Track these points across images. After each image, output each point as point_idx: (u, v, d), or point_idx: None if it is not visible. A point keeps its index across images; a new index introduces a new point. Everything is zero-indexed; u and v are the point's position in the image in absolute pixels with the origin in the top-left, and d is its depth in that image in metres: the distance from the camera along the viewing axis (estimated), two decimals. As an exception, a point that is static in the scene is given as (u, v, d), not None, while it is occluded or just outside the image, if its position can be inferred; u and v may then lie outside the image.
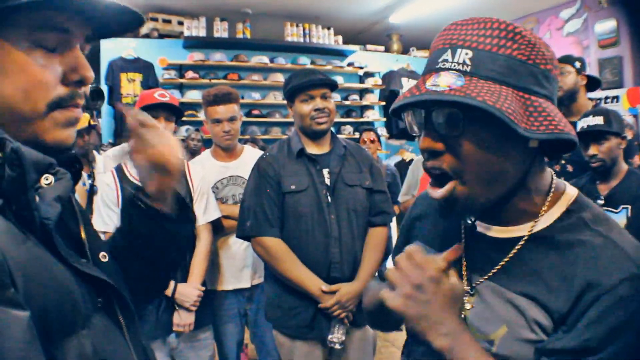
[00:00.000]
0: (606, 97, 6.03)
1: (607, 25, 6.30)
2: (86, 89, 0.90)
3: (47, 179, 0.76)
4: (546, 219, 0.95)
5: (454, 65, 0.88)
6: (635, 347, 0.84)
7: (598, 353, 0.83)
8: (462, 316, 0.98)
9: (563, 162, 3.34)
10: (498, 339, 0.93)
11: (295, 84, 2.45)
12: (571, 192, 0.99)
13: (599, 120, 2.62)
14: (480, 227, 1.03)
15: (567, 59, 3.41)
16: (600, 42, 6.40)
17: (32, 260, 0.70)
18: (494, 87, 0.85)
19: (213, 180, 2.99)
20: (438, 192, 0.93)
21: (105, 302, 0.89)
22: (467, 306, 0.99)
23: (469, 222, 1.05)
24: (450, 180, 0.91)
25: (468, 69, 0.86)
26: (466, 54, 0.87)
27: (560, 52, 6.81)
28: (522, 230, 0.96)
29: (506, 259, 0.96)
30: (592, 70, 6.44)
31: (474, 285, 1.00)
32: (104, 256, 1.00)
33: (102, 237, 2.45)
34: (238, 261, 2.93)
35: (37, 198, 0.74)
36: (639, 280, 0.83)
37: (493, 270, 0.97)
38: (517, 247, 0.95)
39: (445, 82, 0.86)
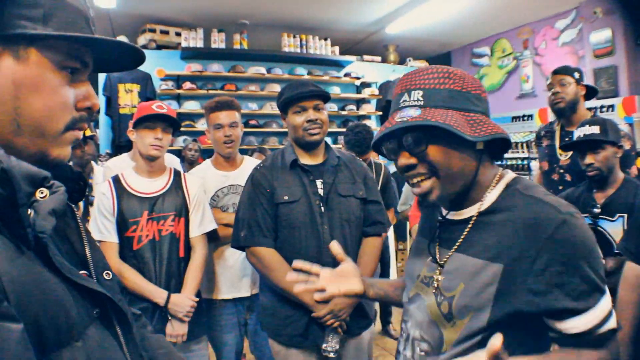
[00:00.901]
0: (602, 106, 6.05)
1: (602, 35, 6.34)
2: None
3: (42, 192, 0.77)
4: (491, 197, 1.24)
5: (411, 103, 1.20)
6: (583, 278, 1.08)
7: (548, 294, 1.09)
8: (436, 286, 1.27)
9: (562, 171, 3.37)
10: (458, 293, 1.20)
11: (288, 95, 2.45)
12: (511, 175, 1.29)
13: (595, 129, 2.63)
14: (448, 214, 1.33)
15: (567, 70, 3.45)
16: (595, 51, 6.43)
17: (26, 274, 0.72)
18: (442, 111, 1.16)
19: (214, 189, 3.01)
20: (418, 189, 1.23)
21: (102, 313, 0.90)
22: (440, 278, 1.27)
23: (441, 217, 1.35)
24: (428, 179, 1.21)
25: (422, 103, 1.18)
26: (418, 93, 1.20)
27: (556, 61, 6.89)
28: (474, 210, 1.26)
29: (464, 234, 1.25)
30: (588, 79, 6.46)
31: (445, 260, 1.28)
32: (107, 274, 1.02)
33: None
34: (237, 270, 2.93)
35: (31, 212, 0.75)
36: (566, 222, 1.09)
37: (455, 245, 1.26)
38: (470, 223, 1.25)
39: (407, 115, 1.17)
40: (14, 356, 0.63)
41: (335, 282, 1.53)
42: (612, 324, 1.12)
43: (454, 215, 1.30)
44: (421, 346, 1.30)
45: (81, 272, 0.94)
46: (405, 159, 1.21)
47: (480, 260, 1.18)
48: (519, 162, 7.14)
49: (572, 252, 1.08)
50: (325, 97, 2.51)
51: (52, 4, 0.82)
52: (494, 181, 1.26)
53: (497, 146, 1.27)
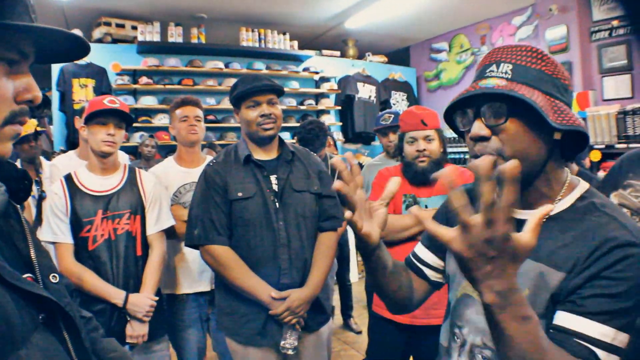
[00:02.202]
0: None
1: (557, 32, 6.45)
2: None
3: None
4: (564, 204, 1.18)
5: (499, 74, 1.16)
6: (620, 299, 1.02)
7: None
8: None
9: None
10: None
11: (241, 90, 2.44)
12: (585, 184, 1.23)
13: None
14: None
15: None
16: (550, 47, 6.54)
17: None
18: (529, 89, 1.11)
19: (176, 185, 3.00)
20: (483, 161, 0.94)
21: (48, 319, 0.87)
22: None
23: None
24: (493, 156, 1.12)
25: (509, 77, 1.14)
26: (508, 66, 1.16)
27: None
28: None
29: None
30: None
31: None
32: (54, 277, 0.99)
33: (51, 247, 2.43)
34: (197, 264, 2.91)
35: None
36: (634, 246, 1.03)
37: None
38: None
39: (493, 84, 1.13)
40: None
41: (363, 215, 1.24)
42: (606, 357, 1.01)
43: (519, 215, 1.14)
44: (484, 353, 1.23)
45: (26, 275, 0.91)
46: (479, 128, 1.15)
47: (545, 266, 1.12)
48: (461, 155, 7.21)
49: (624, 269, 1.02)
50: (279, 92, 2.51)
51: None
52: (565, 186, 1.21)
53: (572, 144, 1.21)
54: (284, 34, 7.65)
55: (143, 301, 2.50)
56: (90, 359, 0.98)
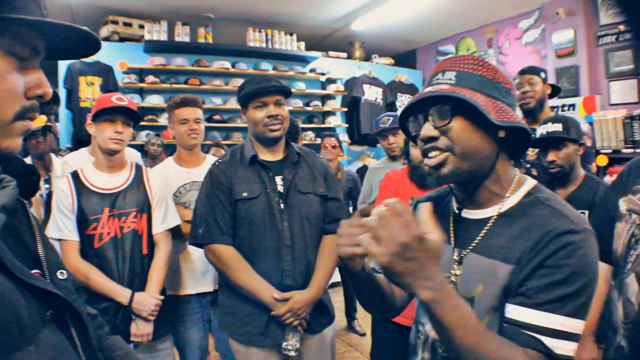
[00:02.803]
0: (563, 105, 6.16)
1: (564, 36, 6.44)
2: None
3: None
4: (511, 201, 1.25)
5: (444, 81, 1.25)
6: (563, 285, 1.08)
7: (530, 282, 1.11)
8: (452, 281, 1.27)
9: (528, 166, 3.45)
10: (477, 294, 1.20)
11: (248, 90, 2.43)
12: (532, 182, 1.29)
13: (557, 127, 2.66)
14: (463, 212, 1.33)
15: (534, 70, 3.59)
16: (557, 51, 6.53)
17: None
18: (471, 92, 1.20)
19: (176, 185, 2.98)
20: (432, 161, 1.24)
21: (55, 315, 0.87)
22: (458, 272, 1.28)
23: (456, 210, 1.36)
24: (444, 153, 1.22)
25: (453, 82, 1.23)
26: (452, 73, 1.25)
27: (519, 61, 7.00)
28: (493, 210, 1.26)
29: (482, 234, 1.25)
30: (550, 79, 6.55)
31: (461, 256, 1.28)
32: (61, 273, 0.99)
33: (57, 244, 2.43)
34: (200, 265, 2.90)
35: None
36: (575, 233, 1.10)
37: (473, 244, 1.26)
38: (489, 224, 1.25)
39: (438, 88, 1.23)
40: None
41: None
42: (555, 345, 1.07)
43: (472, 215, 1.31)
44: (443, 348, 1.29)
45: (33, 271, 0.90)
46: (428, 130, 1.24)
47: (496, 261, 1.19)
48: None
49: (566, 255, 1.09)
50: (287, 93, 2.50)
51: None
52: (513, 184, 1.28)
53: (517, 144, 1.30)
54: (291, 34, 7.65)
55: (148, 300, 2.50)
56: (97, 356, 0.98)
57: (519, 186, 1.27)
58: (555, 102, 6.05)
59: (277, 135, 2.44)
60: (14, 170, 0.96)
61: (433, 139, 1.23)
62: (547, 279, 1.09)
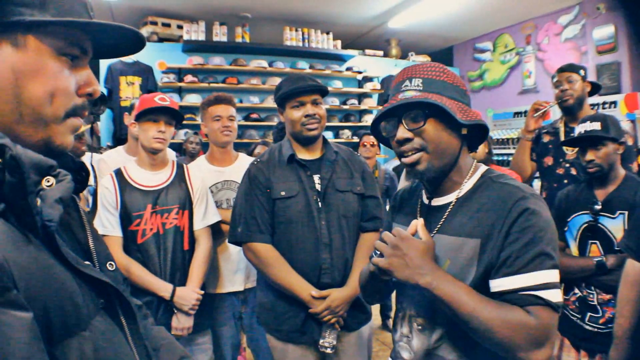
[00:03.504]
0: (604, 103, 6.04)
1: (605, 31, 6.33)
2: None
3: (48, 181, 0.78)
4: (467, 185, 1.44)
5: (413, 87, 1.41)
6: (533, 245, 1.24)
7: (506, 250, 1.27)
8: None
9: (567, 165, 3.42)
10: (445, 268, 1.35)
11: (286, 90, 2.44)
12: (484, 167, 1.49)
13: (596, 125, 2.62)
14: (431, 201, 1.51)
15: (573, 68, 3.56)
16: (598, 47, 6.42)
17: (34, 262, 0.72)
18: (438, 96, 1.36)
19: (208, 184, 3.01)
20: (408, 159, 1.40)
21: (107, 304, 0.91)
22: None
23: (425, 200, 1.54)
24: (419, 152, 1.39)
25: (421, 88, 1.39)
26: (419, 80, 1.41)
27: (559, 57, 6.89)
28: (453, 196, 1.45)
29: (444, 217, 1.43)
30: (591, 75, 6.45)
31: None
32: (110, 265, 1.03)
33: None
34: (232, 264, 2.94)
35: (38, 200, 0.75)
36: (526, 198, 1.29)
37: (437, 227, 1.43)
38: (450, 208, 1.43)
39: (410, 95, 1.38)
40: (26, 345, 0.64)
41: None
42: (549, 295, 1.21)
43: (436, 202, 1.49)
44: (417, 321, 1.47)
45: (85, 263, 0.94)
46: (403, 132, 1.39)
47: (460, 238, 1.36)
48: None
49: (525, 220, 1.25)
50: (324, 92, 2.51)
51: None
52: (470, 171, 1.46)
53: (475, 137, 1.49)
54: (328, 33, 7.68)
55: (189, 294, 2.56)
56: (145, 344, 1.02)
57: (474, 172, 1.46)
58: (596, 99, 5.95)
59: (315, 134, 2.46)
60: (65, 167, 1.00)
61: (408, 140, 1.39)
62: (518, 243, 1.24)
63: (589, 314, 2.57)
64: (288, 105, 2.46)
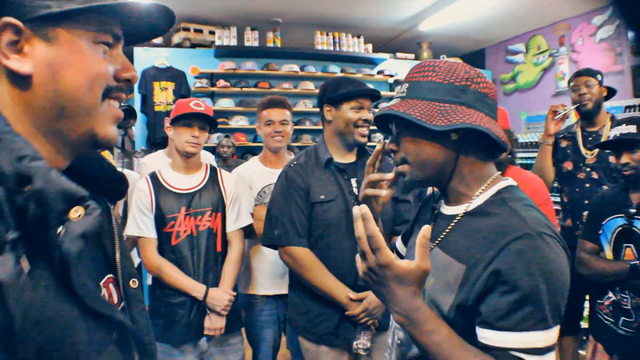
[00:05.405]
0: (640, 105, 5.93)
1: (640, 32, 6.22)
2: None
3: (77, 212, 0.75)
4: (479, 200, 1.27)
5: (398, 95, 1.32)
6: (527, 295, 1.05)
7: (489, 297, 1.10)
8: None
9: (588, 169, 3.43)
10: (427, 287, 1.23)
11: (352, 89, 2.44)
12: (507, 182, 1.30)
13: (632, 128, 2.59)
14: (441, 207, 1.39)
15: (590, 72, 3.61)
16: (633, 48, 6.30)
17: (37, 303, 0.69)
18: (415, 102, 1.25)
19: (260, 185, 3.06)
20: (397, 169, 1.36)
21: (120, 336, 0.89)
22: None
23: (437, 206, 1.41)
24: (403, 164, 1.32)
25: (404, 95, 1.30)
26: (405, 85, 1.31)
27: (593, 58, 6.78)
28: (461, 209, 1.29)
29: (447, 230, 1.29)
30: (625, 77, 6.35)
31: (430, 249, 1.29)
32: (134, 282, 1.03)
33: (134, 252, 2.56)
34: (279, 267, 2.95)
35: (62, 230, 0.73)
36: (529, 237, 1.08)
37: (439, 238, 1.30)
38: (455, 221, 1.29)
39: (393, 103, 1.30)
40: None
41: None
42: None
43: (446, 210, 1.36)
44: (398, 335, 1.40)
45: (108, 276, 0.95)
46: (389, 145, 1.38)
47: (450, 258, 1.23)
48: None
49: (521, 267, 1.06)
50: (378, 99, 2.55)
51: None
52: (486, 182, 1.29)
53: (483, 143, 1.27)
54: (359, 37, 7.68)
55: (222, 296, 2.60)
56: None
57: (490, 186, 1.28)
58: (633, 101, 5.85)
59: (365, 141, 2.48)
60: (106, 177, 1.00)
61: (394, 151, 1.36)
62: (509, 297, 1.06)
63: (622, 318, 2.54)
64: (347, 104, 2.46)
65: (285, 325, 3.06)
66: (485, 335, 1.10)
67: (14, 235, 0.66)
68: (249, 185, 3.03)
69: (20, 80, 0.79)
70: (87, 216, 0.75)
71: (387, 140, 1.48)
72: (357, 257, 1.13)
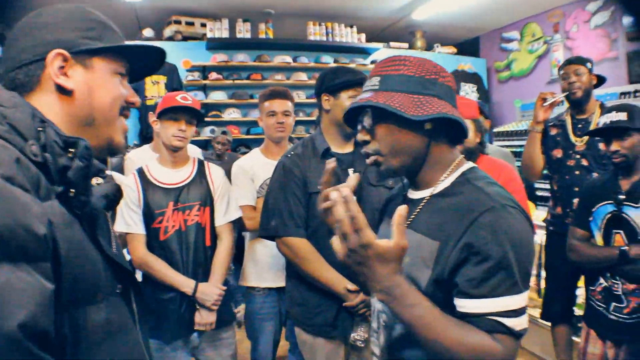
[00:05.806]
0: (636, 91, 5.89)
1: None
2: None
3: (97, 180, 1.07)
4: (445, 183, 1.36)
5: (369, 87, 1.36)
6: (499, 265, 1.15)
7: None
8: None
9: (578, 156, 3.45)
10: (404, 265, 1.19)
11: (350, 78, 2.44)
12: (469, 164, 1.40)
13: (622, 116, 2.59)
14: (409, 193, 1.47)
15: (580, 60, 3.65)
16: (628, 34, 6.27)
17: (76, 240, 0.89)
18: (390, 94, 1.30)
19: (262, 178, 3.03)
20: (368, 160, 1.39)
21: (123, 290, 1.08)
22: None
23: (405, 192, 1.49)
24: (376, 154, 1.36)
25: (377, 87, 1.33)
26: (377, 79, 1.35)
27: (588, 45, 6.76)
28: (427, 192, 1.38)
29: (416, 212, 1.37)
30: (621, 63, 6.33)
31: None
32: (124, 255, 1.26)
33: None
34: (281, 259, 2.91)
35: (95, 182, 1.03)
36: (495, 210, 1.19)
37: (409, 220, 1.36)
38: (422, 203, 1.37)
39: (364, 96, 1.35)
40: (37, 305, 0.73)
41: None
42: (514, 323, 1.16)
43: (413, 195, 1.44)
44: (382, 317, 1.44)
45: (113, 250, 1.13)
46: (362, 135, 1.39)
47: (422, 236, 1.30)
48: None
49: (491, 238, 1.15)
50: None
51: (101, 27, 1.10)
52: (451, 167, 1.38)
53: (451, 130, 1.37)
54: (351, 27, 7.64)
55: (212, 290, 2.59)
56: (147, 334, 1.19)
57: (455, 169, 1.38)
58: (627, 87, 5.83)
59: None
60: (106, 189, 1.18)
61: (366, 142, 1.38)
62: (482, 266, 1.16)
63: (613, 304, 2.56)
64: (345, 93, 2.45)
65: (287, 317, 3.05)
66: (463, 304, 1.18)
67: (60, 189, 0.89)
68: (251, 178, 3.01)
69: (65, 94, 1.04)
70: (106, 182, 1.10)
71: (332, 159, 1.52)
72: (334, 239, 1.18)
